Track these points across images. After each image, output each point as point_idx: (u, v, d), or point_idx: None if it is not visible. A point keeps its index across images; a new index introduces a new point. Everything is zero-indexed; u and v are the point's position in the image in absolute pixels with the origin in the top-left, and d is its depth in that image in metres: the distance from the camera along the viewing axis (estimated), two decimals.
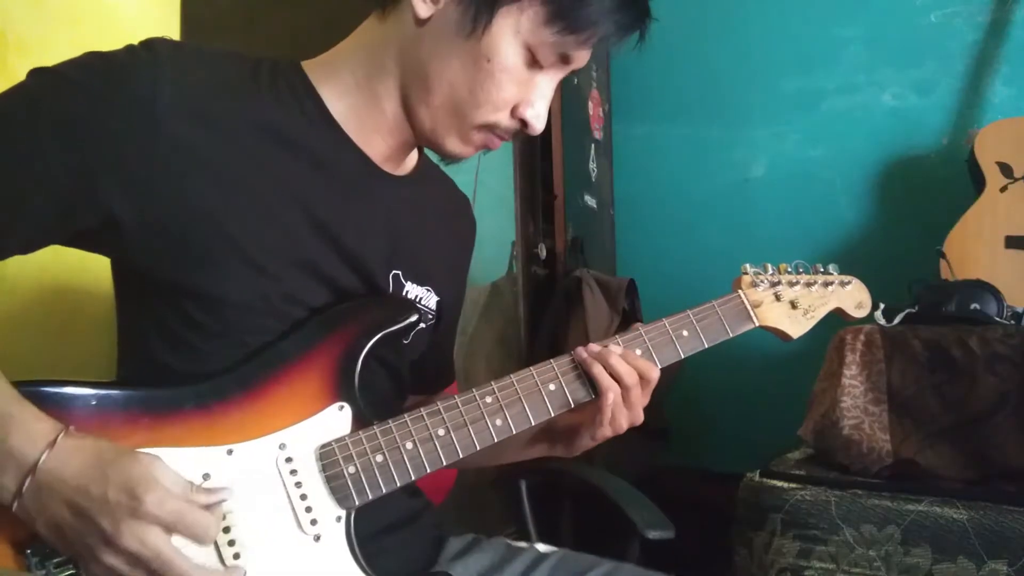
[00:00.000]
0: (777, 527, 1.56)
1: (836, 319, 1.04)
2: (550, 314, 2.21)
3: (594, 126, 2.54)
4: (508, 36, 0.79)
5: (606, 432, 0.89)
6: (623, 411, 0.88)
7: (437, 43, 0.81)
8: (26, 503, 0.67)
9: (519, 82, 0.82)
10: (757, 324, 0.97)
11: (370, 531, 0.81)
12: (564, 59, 0.83)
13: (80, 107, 0.73)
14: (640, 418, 0.90)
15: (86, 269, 1.16)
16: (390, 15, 0.84)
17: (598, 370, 0.87)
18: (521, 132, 0.86)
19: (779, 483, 1.58)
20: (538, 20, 0.79)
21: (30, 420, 0.69)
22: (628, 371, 0.87)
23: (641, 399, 0.89)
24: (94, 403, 0.73)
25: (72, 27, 1.18)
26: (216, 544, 0.73)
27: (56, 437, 0.68)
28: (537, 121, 0.85)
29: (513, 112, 0.84)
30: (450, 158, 0.89)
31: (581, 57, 0.84)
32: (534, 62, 0.82)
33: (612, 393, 0.87)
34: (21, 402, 0.69)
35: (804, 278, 1.01)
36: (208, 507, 0.71)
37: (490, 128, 0.84)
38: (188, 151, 0.76)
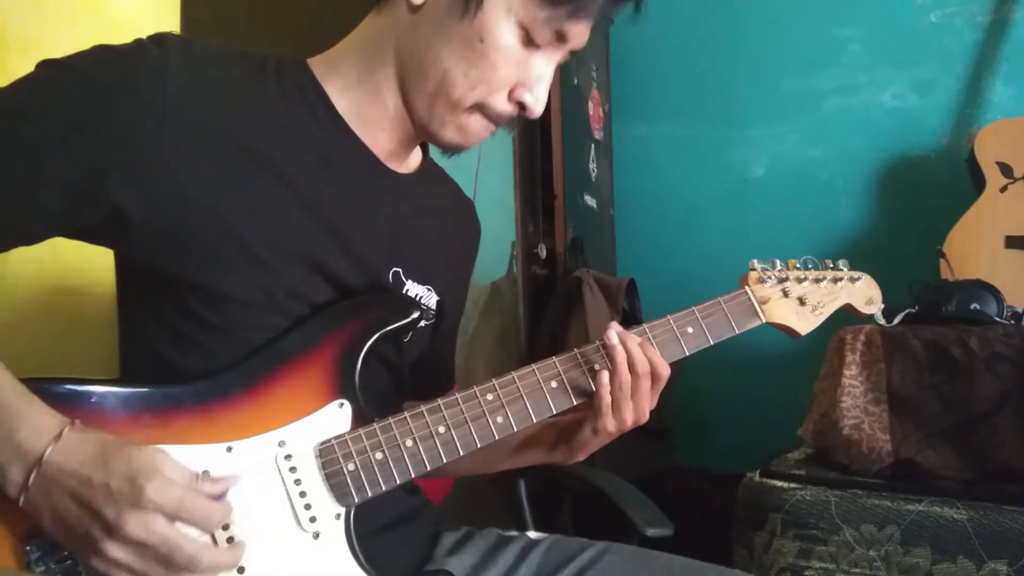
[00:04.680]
0: (777, 527, 1.56)
1: (842, 317, 1.04)
2: (550, 314, 2.21)
3: (594, 126, 2.54)
4: (500, 15, 0.79)
5: (608, 424, 0.88)
6: (628, 403, 0.87)
7: (431, 29, 0.81)
8: (32, 497, 0.67)
9: (515, 62, 0.81)
10: (764, 321, 0.96)
11: (369, 529, 0.81)
12: (560, 37, 0.82)
13: (89, 101, 0.73)
14: (646, 416, 0.89)
15: (86, 269, 1.16)
16: (386, 7, 0.84)
17: (620, 356, 0.86)
18: (520, 116, 0.85)
19: (779, 483, 1.58)
20: None
21: (37, 415, 0.69)
22: (642, 359, 0.86)
23: (649, 394, 0.88)
24: (94, 400, 0.74)
25: (72, 27, 1.18)
26: (215, 540, 0.73)
27: (62, 431, 0.68)
28: (537, 104, 0.84)
29: (510, 96, 0.83)
30: (449, 149, 0.88)
31: (577, 33, 0.83)
32: (529, 41, 0.81)
33: (621, 376, 0.86)
34: (29, 397, 0.70)
35: (813, 274, 1.00)
36: (214, 497, 0.71)
37: (484, 111, 0.83)
38: (195, 147, 0.76)
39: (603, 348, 0.87)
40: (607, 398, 0.86)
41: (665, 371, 0.88)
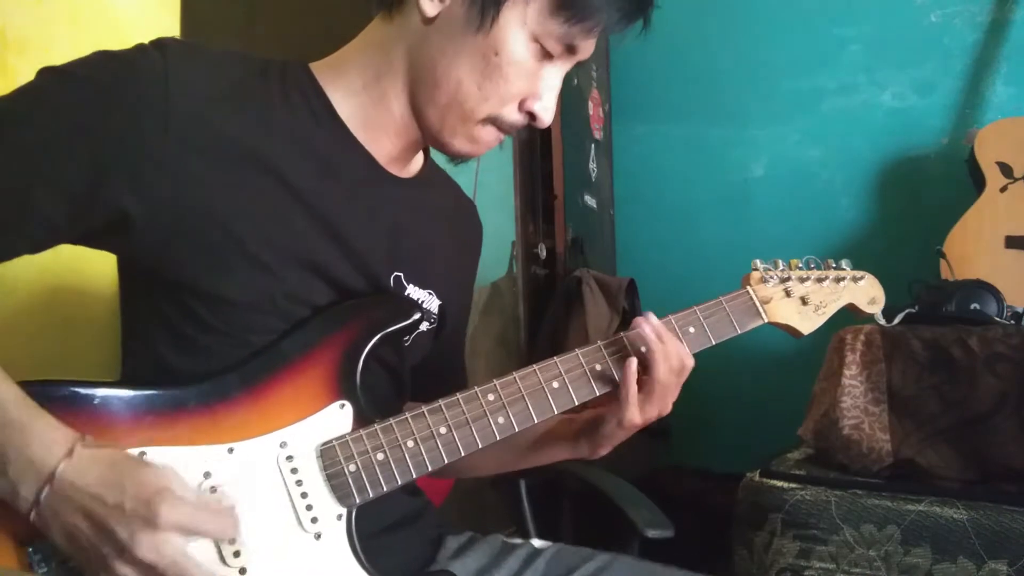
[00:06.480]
0: (777, 527, 1.56)
1: (843, 316, 1.04)
2: (550, 314, 2.21)
3: (594, 126, 2.55)
4: (515, 29, 0.80)
5: (634, 415, 0.87)
6: (660, 397, 0.87)
7: (445, 40, 0.81)
8: (43, 512, 0.67)
9: (528, 74, 0.82)
10: (766, 320, 0.95)
11: (371, 530, 0.81)
12: (571, 50, 0.83)
13: (90, 106, 0.73)
14: (669, 408, 0.90)
15: (86, 269, 1.16)
16: (397, 15, 0.84)
17: (658, 347, 0.85)
18: (529, 125, 0.86)
19: (779, 483, 1.58)
20: (544, 11, 0.80)
21: (48, 429, 0.69)
22: (676, 352, 0.87)
23: (675, 387, 0.89)
24: (97, 402, 0.73)
25: (72, 27, 1.18)
26: (216, 542, 0.73)
27: (73, 446, 0.68)
28: (546, 114, 0.85)
29: (520, 106, 0.84)
30: (457, 157, 0.89)
31: (587, 47, 0.84)
32: (543, 54, 0.82)
33: (658, 370, 0.85)
34: (37, 411, 0.70)
35: (815, 273, 0.99)
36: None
37: (496, 121, 0.85)
38: (196, 151, 0.76)
39: (642, 342, 0.86)
40: (633, 388, 0.86)
41: (690, 362, 0.88)
